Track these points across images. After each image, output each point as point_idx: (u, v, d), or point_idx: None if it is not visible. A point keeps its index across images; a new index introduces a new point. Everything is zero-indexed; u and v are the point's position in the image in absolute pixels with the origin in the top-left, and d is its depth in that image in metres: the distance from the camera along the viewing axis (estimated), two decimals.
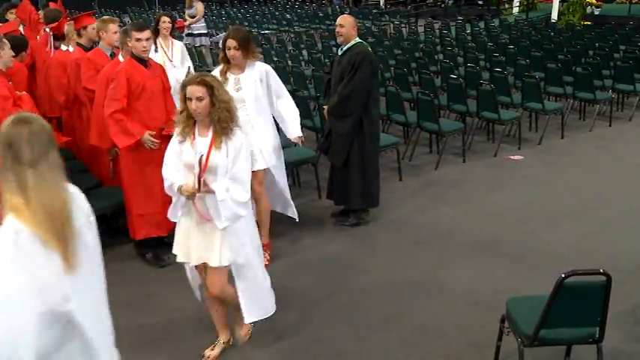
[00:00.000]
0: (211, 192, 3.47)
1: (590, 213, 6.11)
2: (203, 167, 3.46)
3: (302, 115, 7.60)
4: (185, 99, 3.45)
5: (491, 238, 5.58)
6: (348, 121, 5.55)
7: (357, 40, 5.61)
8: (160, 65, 5.34)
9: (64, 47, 6.15)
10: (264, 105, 4.94)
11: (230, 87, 4.58)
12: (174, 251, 3.75)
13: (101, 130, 5.16)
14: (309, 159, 6.53)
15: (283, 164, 5.32)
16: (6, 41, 4.74)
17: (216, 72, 4.92)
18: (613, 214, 6.09)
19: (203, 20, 12.82)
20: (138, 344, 4.07)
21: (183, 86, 3.45)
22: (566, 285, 3.03)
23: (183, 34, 12.85)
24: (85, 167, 5.99)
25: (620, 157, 7.91)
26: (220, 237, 3.57)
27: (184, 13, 13.09)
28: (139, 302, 4.62)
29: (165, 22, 6.88)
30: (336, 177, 5.88)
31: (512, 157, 7.86)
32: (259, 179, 4.92)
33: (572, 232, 5.66)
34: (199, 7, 12.41)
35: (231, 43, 4.64)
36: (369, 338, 4.15)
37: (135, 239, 5.15)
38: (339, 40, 5.69)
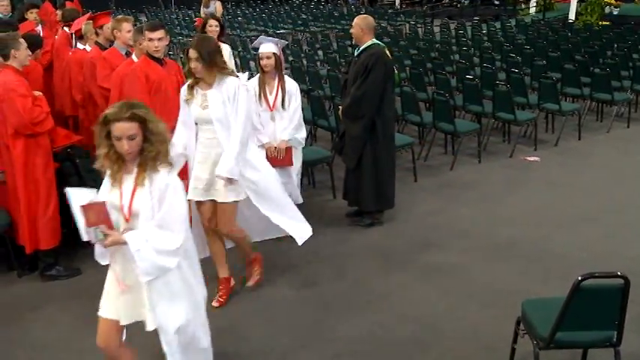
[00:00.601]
0: (121, 243, 2.93)
1: (607, 215, 6.05)
2: (128, 212, 2.97)
3: (317, 115, 7.67)
4: (108, 137, 2.88)
5: (507, 239, 5.54)
6: (360, 123, 5.53)
7: (373, 41, 5.57)
8: (175, 63, 5.37)
9: (80, 46, 6.20)
10: None
11: (196, 104, 4.21)
12: (100, 304, 3.16)
13: None
14: (323, 159, 6.52)
15: (272, 186, 4.56)
16: (22, 41, 4.76)
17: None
18: (631, 216, 6.02)
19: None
20: None
21: (106, 122, 2.86)
22: (583, 287, 3.00)
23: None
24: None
25: (639, 158, 7.82)
26: (149, 294, 3.04)
27: (200, 11, 13.13)
28: None
29: (212, 25, 6.63)
30: (349, 178, 5.87)
31: (528, 158, 7.80)
32: (228, 214, 4.31)
33: (590, 235, 5.61)
34: (218, 7, 12.44)
35: (192, 53, 4.10)
36: (382, 338, 4.14)
37: None
38: (354, 40, 5.71)
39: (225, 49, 6.51)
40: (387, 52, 5.66)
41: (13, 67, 4.66)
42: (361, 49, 5.55)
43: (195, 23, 13.56)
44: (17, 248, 5.00)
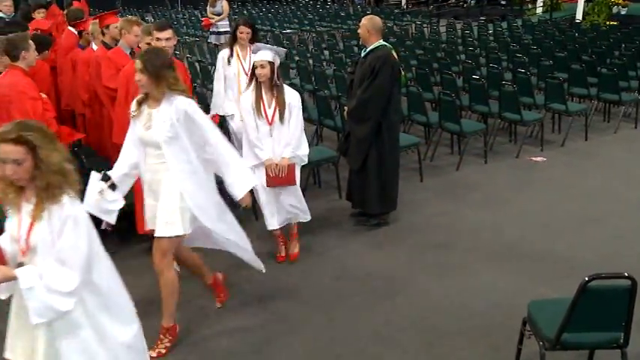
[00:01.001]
0: (11, 278, 2.59)
1: (614, 216, 6.03)
2: (25, 245, 2.64)
3: (323, 115, 7.66)
4: None
5: (513, 239, 5.53)
6: (366, 125, 5.50)
7: (380, 42, 5.52)
8: (181, 63, 5.38)
9: (94, 46, 6.21)
10: (188, 151, 3.85)
11: (140, 123, 3.83)
12: (6, 343, 2.85)
13: (123, 128, 5.19)
14: (329, 159, 6.51)
15: (228, 225, 4.13)
16: (31, 43, 4.77)
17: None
18: (637, 217, 6.00)
19: (227, 19, 12.86)
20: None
21: None
22: (590, 288, 2.99)
23: (209, 32, 12.92)
24: (106, 164, 6.04)
25: None
26: (43, 342, 2.71)
27: (207, 11, 13.14)
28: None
29: (242, 32, 6.15)
30: (354, 180, 5.85)
31: (534, 158, 7.77)
32: (163, 249, 3.91)
33: (596, 236, 5.59)
34: (225, 5, 12.44)
35: (137, 64, 3.75)
36: (387, 337, 4.13)
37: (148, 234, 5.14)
38: (361, 41, 5.69)
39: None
40: (394, 53, 5.63)
41: (21, 67, 4.66)
42: (368, 50, 5.52)
43: (202, 23, 13.59)
44: None
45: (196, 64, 10.59)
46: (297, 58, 11.42)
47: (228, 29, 12.61)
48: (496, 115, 8.12)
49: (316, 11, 21.47)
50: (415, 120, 8.03)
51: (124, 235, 5.44)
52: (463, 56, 11.75)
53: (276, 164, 4.81)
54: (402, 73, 5.88)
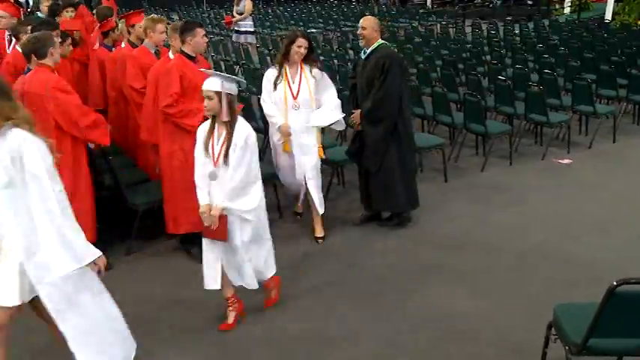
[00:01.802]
0: None
1: None
2: None
3: (348, 114, 7.63)
4: None
5: (539, 242, 5.47)
6: (383, 125, 5.43)
7: (381, 41, 5.47)
8: (207, 61, 5.42)
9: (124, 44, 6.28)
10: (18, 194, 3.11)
11: None
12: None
13: (150, 126, 5.25)
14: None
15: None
16: (57, 40, 4.84)
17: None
18: None
19: (251, 18, 12.90)
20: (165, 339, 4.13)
21: None
22: (618, 293, 2.93)
23: (232, 31, 12.99)
24: (132, 162, 6.11)
25: None
26: None
27: (232, 10, 13.22)
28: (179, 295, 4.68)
29: (300, 45, 5.23)
30: (372, 182, 5.69)
31: (560, 160, 7.68)
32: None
33: (624, 240, 5.50)
34: (248, 5, 12.48)
35: None
36: (409, 339, 4.11)
37: (176, 234, 5.21)
38: (362, 43, 5.54)
39: (312, 77, 5.36)
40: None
41: (48, 65, 4.71)
42: (370, 50, 5.44)
43: (224, 21, 13.65)
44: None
45: (221, 63, 10.65)
46: (321, 57, 11.42)
47: (249, 29, 12.64)
48: (522, 116, 8.03)
49: (341, 11, 21.45)
50: (440, 120, 7.98)
51: (150, 234, 5.52)
52: (489, 57, 11.65)
53: (211, 213, 3.92)
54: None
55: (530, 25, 17.03)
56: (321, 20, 19.08)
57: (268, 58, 11.79)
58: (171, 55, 5.26)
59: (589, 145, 8.19)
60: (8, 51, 6.03)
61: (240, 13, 12.60)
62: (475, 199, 6.52)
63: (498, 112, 8.48)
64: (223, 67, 10.46)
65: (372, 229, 5.83)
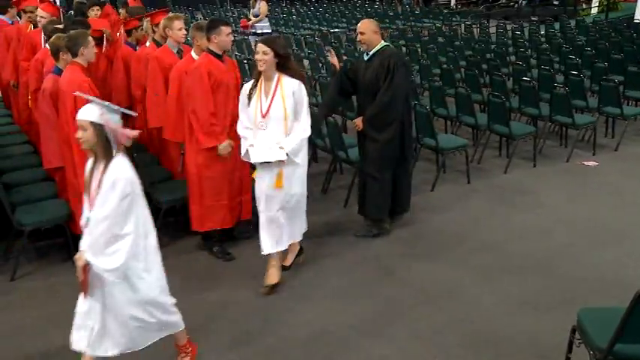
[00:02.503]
0: None
1: None
2: None
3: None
4: None
5: (563, 245, 5.40)
6: (392, 128, 5.26)
7: (383, 43, 5.33)
8: (232, 60, 5.43)
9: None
10: None
11: None
12: None
13: (174, 125, 5.29)
14: None
15: None
16: (90, 39, 4.88)
17: (246, 85, 4.61)
18: None
19: (267, 20, 12.78)
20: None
21: None
22: None
23: (248, 34, 12.98)
24: (156, 160, 6.16)
25: None
26: None
27: (249, 12, 13.21)
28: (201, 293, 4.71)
29: (259, 52, 4.47)
30: (376, 189, 5.47)
31: (586, 163, 7.58)
32: None
33: None
34: (263, 7, 12.42)
35: None
36: (432, 341, 4.09)
37: (200, 231, 5.24)
38: (362, 47, 5.39)
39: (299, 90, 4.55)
40: None
41: (80, 63, 4.79)
42: (372, 52, 5.27)
43: (240, 25, 13.64)
44: (76, 238, 5.15)
45: (245, 63, 10.69)
46: (345, 57, 11.41)
47: (265, 30, 12.62)
48: (547, 117, 7.95)
49: (365, 10, 21.41)
50: (463, 121, 7.94)
51: (172, 231, 5.56)
52: (513, 57, 11.54)
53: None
54: None
55: (557, 25, 16.84)
56: (344, 20, 19.06)
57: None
58: (194, 54, 5.29)
59: (615, 148, 8.07)
60: None
61: (256, 16, 12.54)
62: (498, 201, 6.46)
63: (522, 114, 8.40)
64: (247, 67, 10.49)
65: (395, 232, 5.79)
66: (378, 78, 5.19)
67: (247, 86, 4.61)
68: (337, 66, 5.63)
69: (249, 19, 12.71)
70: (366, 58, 5.35)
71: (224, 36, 4.88)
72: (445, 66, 9.96)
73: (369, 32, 5.25)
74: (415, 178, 6.96)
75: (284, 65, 4.49)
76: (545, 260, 5.16)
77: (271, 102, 4.45)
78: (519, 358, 3.90)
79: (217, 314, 4.43)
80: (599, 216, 6.04)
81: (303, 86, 4.55)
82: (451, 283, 4.82)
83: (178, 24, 5.65)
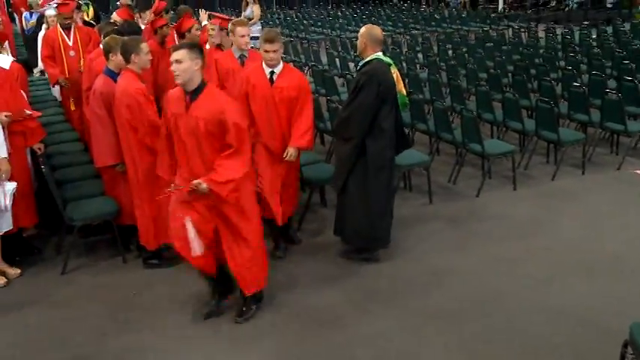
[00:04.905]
0: None
1: None
2: None
3: (416, 119, 7.60)
4: None
5: (611, 256, 5.26)
6: (349, 144, 4.97)
7: (374, 55, 4.92)
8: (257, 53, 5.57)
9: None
10: None
11: None
12: None
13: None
14: (421, 163, 6.46)
15: None
16: (144, 46, 4.88)
17: None
18: None
19: (259, 23, 12.30)
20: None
21: None
22: None
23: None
24: None
25: None
26: None
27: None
28: None
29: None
30: (338, 205, 5.32)
31: (638, 171, 7.37)
32: None
33: None
34: (256, 10, 11.96)
35: None
36: (477, 351, 4.04)
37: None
38: (358, 52, 5.19)
39: None
40: (394, 70, 4.99)
41: (133, 70, 4.82)
42: (361, 63, 5.05)
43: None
44: (123, 235, 5.28)
45: (291, 64, 10.75)
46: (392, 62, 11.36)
47: (256, 35, 12.36)
48: (597, 124, 7.76)
49: (411, 14, 21.30)
50: (510, 127, 7.81)
51: None
52: (563, 62, 11.30)
53: None
54: (403, 93, 5.17)
55: (609, 29, 16.41)
56: (390, 23, 19.00)
57: (337, 60, 11.85)
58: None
59: None
60: None
61: (249, 19, 11.97)
62: (545, 208, 6.34)
63: (572, 120, 8.21)
64: None
65: (439, 234, 5.74)
66: (351, 91, 5.04)
67: None
68: None
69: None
70: (359, 66, 5.18)
71: (271, 53, 4.98)
72: (492, 70, 9.82)
73: (361, 40, 4.96)
74: (459, 184, 6.92)
75: None
76: (594, 270, 5.03)
77: None
78: None
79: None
80: None
81: None
82: (492, 292, 4.75)
83: (241, 30, 5.58)
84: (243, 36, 5.57)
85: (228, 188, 3.93)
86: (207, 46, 6.25)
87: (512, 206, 6.39)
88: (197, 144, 3.98)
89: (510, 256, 5.33)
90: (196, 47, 4.01)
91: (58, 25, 7.49)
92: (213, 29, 6.25)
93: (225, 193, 3.93)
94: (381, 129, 4.87)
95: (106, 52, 5.13)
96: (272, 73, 5.01)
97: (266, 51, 4.94)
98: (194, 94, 3.96)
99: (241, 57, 5.66)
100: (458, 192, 6.76)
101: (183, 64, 3.86)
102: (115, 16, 7.07)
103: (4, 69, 5.16)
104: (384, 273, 5.07)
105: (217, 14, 6.76)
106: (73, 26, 7.45)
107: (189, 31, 6.56)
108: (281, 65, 5.05)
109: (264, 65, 5.03)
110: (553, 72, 10.29)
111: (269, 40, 4.93)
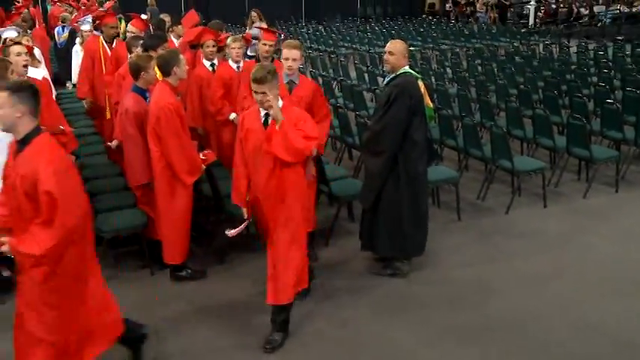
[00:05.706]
0: None
1: None
2: None
3: (445, 135, 7.56)
4: None
5: None
6: (380, 158, 4.96)
7: (405, 69, 4.96)
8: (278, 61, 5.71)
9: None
10: None
11: None
12: None
13: None
14: (450, 179, 6.41)
15: None
16: (182, 57, 4.88)
17: None
18: None
19: (255, 42, 12.13)
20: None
21: None
22: None
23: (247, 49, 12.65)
24: (227, 174, 6.28)
25: None
26: None
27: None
28: None
29: None
30: (365, 219, 5.27)
31: None
32: None
33: None
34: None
35: None
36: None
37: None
38: (386, 68, 5.09)
39: None
40: (421, 82, 5.03)
41: (169, 83, 4.81)
42: (390, 77, 5.00)
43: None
44: (151, 247, 5.31)
45: (319, 79, 10.80)
46: (421, 75, 11.34)
47: (251, 54, 12.15)
48: (631, 142, 7.61)
49: (439, 29, 21.25)
50: (540, 143, 7.71)
51: (244, 243, 5.64)
52: (595, 79, 11.14)
53: None
54: (430, 106, 5.20)
55: None
56: (419, 38, 18.97)
57: (366, 75, 11.85)
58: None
59: None
60: None
61: (256, 38, 11.54)
62: (576, 226, 6.23)
63: (605, 137, 8.08)
64: (321, 82, 10.59)
65: (467, 249, 5.68)
66: (381, 105, 5.01)
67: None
68: None
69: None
70: (385, 82, 5.11)
71: (290, 60, 5.04)
72: (522, 86, 9.72)
73: (398, 54, 4.93)
74: (488, 200, 6.84)
75: None
76: (629, 289, 4.94)
77: None
78: None
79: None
80: None
81: None
82: (524, 308, 4.69)
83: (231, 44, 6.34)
84: (233, 48, 6.34)
85: (29, 262, 3.29)
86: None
87: (542, 223, 6.29)
88: (17, 205, 3.31)
89: (540, 273, 5.24)
90: (23, 91, 3.23)
91: (101, 37, 7.40)
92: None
93: (28, 266, 3.31)
94: (413, 141, 4.91)
95: (136, 71, 5.06)
96: (267, 115, 4.21)
97: (286, 58, 5.01)
98: (21, 144, 3.30)
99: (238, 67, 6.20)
100: (487, 208, 6.67)
101: (1, 111, 3.17)
102: (130, 27, 7.13)
103: (39, 80, 5.24)
104: (411, 288, 5.04)
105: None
106: (115, 39, 7.36)
107: (202, 45, 6.61)
108: (280, 102, 4.19)
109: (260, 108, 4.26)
110: (585, 88, 10.16)
111: (290, 47, 4.98)
